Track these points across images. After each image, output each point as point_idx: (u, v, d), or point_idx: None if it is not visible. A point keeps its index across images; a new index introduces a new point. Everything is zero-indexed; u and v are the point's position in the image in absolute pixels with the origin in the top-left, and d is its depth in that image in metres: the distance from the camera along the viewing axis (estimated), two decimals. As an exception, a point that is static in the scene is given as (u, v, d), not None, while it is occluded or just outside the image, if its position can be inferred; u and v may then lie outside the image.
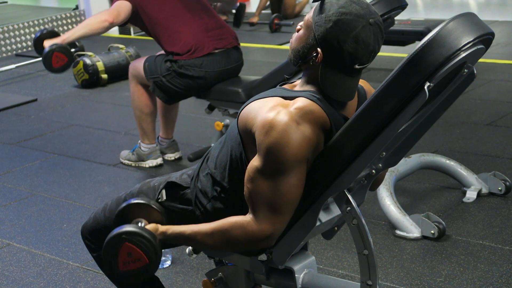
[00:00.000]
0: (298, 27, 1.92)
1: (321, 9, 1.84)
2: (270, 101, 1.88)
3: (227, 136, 2.01)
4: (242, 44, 4.05)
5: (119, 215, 2.04)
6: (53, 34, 3.98)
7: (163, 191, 2.07)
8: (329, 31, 1.82)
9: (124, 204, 2.04)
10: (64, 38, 3.91)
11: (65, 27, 8.31)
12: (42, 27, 8.08)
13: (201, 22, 3.88)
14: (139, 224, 1.99)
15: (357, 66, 1.85)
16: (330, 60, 1.85)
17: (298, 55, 1.90)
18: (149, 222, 2.01)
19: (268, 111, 1.83)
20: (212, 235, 1.91)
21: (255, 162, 1.84)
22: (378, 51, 1.86)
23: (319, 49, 1.84)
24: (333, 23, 1.81)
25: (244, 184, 1.90)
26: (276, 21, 8.24)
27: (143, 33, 8.06)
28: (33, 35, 8.03)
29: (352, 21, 1.80)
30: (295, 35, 1.93)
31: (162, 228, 1.97)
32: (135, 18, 3.94)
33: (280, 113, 1.80)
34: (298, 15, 9.07)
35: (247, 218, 1.87)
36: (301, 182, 1.83)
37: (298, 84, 1.97)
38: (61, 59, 3.84)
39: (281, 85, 2.02)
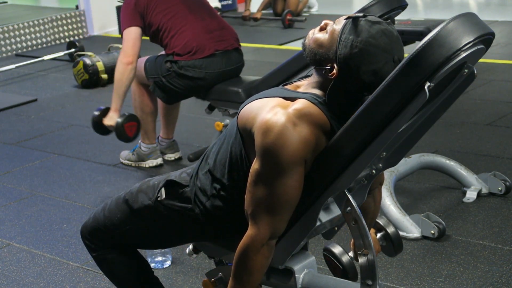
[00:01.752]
0: (323, 24, 1.88)
1: (351, 29, 1.81)
2: (271, 101, 1.86)
3: (226, 133, 2.00)
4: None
5: None
6: (105, 111, 3.91)
7: (163, 190, 2.07)
8: (352, 56, 1.79)
9: None
10: (116, 107, 3.87)
11: (65, 27, 8.30)
12: (42, 27, 8.08)
13: (203, 23, 3.87)
14: None
15: (365, 94, 1.84)
16: (343, 81, 1.83)
17: (314, 58, 1.88)
18: None
19: (267, 112, 1.82)
20: (236, 276, 1.90)
21: (255, 164, 1.84)
22: None
23: (336, 66, 1.82)
24: (359, 50, 1.78)
25: (242, 181, 1.90)
26: (288, 17, 8.30)
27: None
28: (33, 35, 8.03)
29: (377, 54, 1.78)
30: (318, 33, 1.88)
31: None
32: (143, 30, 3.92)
33: (277, 114, 1.80)
34: (301, 13, 9.07)
35: (246, 234, 1.86)
36: (298, 184, 1.82)
37: (303, 85, 1.96)
38: (132, 126, 3.87)
39: (283, 86, 2.01)
